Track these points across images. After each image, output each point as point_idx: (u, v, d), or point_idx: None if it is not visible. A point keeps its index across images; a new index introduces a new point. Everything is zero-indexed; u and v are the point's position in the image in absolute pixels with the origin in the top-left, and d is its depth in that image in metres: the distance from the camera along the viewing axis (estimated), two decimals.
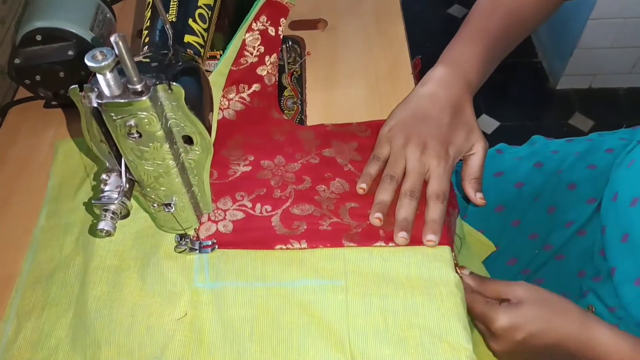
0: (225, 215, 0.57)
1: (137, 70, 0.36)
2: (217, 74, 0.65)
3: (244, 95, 0.67)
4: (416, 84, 0.65)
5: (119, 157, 0.43)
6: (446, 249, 0.54)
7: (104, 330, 0.51)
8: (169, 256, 0.54)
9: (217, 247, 0.54)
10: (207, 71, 0.58)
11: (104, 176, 0.44)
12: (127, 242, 0.56)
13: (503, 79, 1.85)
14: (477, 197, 0.59)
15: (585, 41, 1.67)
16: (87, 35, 0.65)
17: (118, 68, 0.36)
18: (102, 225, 0.43)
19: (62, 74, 0.65)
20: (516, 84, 1.88)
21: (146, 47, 0.48)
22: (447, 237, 0.55)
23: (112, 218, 0.43)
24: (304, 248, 0.54)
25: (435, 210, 0.55)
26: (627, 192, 0.66)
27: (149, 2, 0.51)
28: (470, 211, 0.79)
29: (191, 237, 0.53)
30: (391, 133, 0.61)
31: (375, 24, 0.78)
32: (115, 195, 0.43)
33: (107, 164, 0.45)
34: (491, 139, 0.63)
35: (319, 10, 0.80)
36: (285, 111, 0.68)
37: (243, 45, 0.67)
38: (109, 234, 0.43)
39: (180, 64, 0.45)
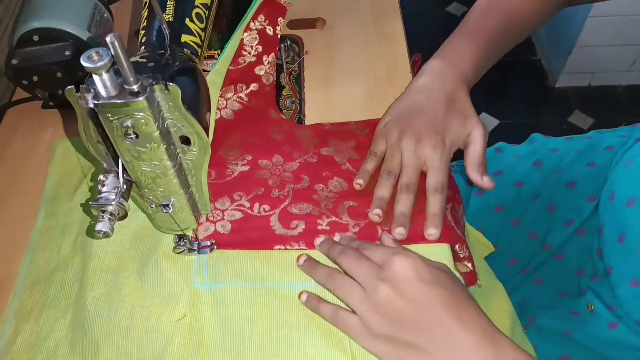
0: (224, 215, 0.56)
1: (133, 71, 0.36)
2: (215, 73, 0.65)
3: (242, 95, 0.67)
4: None
5: (116, 158, 0.43)
6: (445, 246, 0.54)
7: (103, 332, 0.50)
8: (168, 257, 0.54)
9: (215, 247, 0.54)
10: (204, 70, 0.58)
11: (101, 177, 0.44)
12: (125, 243, 0.56)
13: (502, 77, 1.85)
14: (485, 181, 0.59)
15: (584, 39, 1.67)
16: (84, 36, 0.65)
17: (114, 68, 0.36)
18: (99, 226, 0.42)
19: (59, 75, 0.65)
20: (515, 82, 1.88)
21: (143, 47, 0.48)
22: (449, 234, 0.55)
23: (109, 219, 0.43)
24: (303, 249, 0.54)
25: (435, 204, 0.55)
26: (624, 192, 0.66)
27: (146, 2, 0.51)
28: (470, 211, 0.79)
29: (190, 238, 0.53)
30: (386, 128, 0.60)
31: (373, 22, 0.77)
32: (113, 196, 0.43)
33: (105, 165, 0.44)
34: (490, 137, 0.63)
35: (317, 9, 0.80)
36: (284, 110, 0.68)
37: (241, 45, 0.67)
38: (106, 235, 0.43)
39: (177, 63, 0.45)
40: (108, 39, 0.34)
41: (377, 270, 0.46)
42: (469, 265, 0.57)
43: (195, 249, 0.54)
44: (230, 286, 0.52)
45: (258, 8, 0.66)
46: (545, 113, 1.80)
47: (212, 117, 0.63)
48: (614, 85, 1.83)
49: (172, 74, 0.43)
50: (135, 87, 0.37)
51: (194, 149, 0.43)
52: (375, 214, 0.55)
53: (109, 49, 0.35)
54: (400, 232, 0.53)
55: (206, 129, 0.44)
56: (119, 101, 0.37)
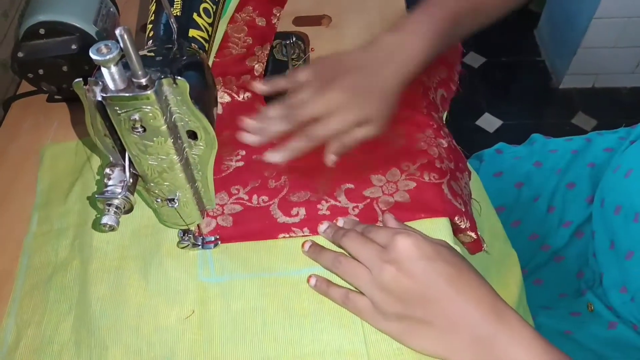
0: (223, 209, 0.56)
1: (141, 64, 0.36)
2: None
3: (232, 86, 0.66)
4: None
5: (122, 151, 0.43)
6: (444, 220, 0.54)
7: (110, 331, 0.50)
8: (171, 254, 0.54)
9: (220, 242, 0.54)
10: None
11: (107, 170, 0.44)
12: (124, 242, 0.56)
13: (506, 77, 1.85)
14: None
15: (588, 40, 1.67)
16: (91, 29, 0.65)
17: (123, 62, 0.36)
18: (105, 219, 0.43)
19: (65, 68, 0.65)
20: (519, 83, 1.88)
21: (150, 41, 0.48)
22: (447, 208, 0.55)
23: (115, 212, 0.43)
24: (307, 235, 0.54)
25: (316, 129, 0.56)
26: (612, 199, 0.66)
27: None
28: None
29: (194, 233, 0.53)
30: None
31: (379, 20, 0.77)
32: (119, 190, 0.43)
33: (111, 159, 0.44)
34: (493, 138, 0.63)
35: (323, 6, 0.80)
36: None
37: (226, 37, 0.67)
38: (112, 228, 0.43)
39: (184, 58, 0.45)
40: (117, 31, 0.34)
41: (381, 251, 0.47)
42: (472, 234, 0.57)
43: (200, 244, 0.54)
44: (237, 279, 0.52)
45: (242, 0, 0.66)
46: (548, 114, 1.80)
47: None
48: (618, 87, 1.83)
49: (180, 68, 0.43)
50: (143, 81, 0.37)
51: (201, 144, 0.43)
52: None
53: (118, 42, 0.35)
54: (269, 156, 0.57)
55: (213, 124, 0.44)
56: (127, 94, 0.37)
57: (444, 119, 0.69)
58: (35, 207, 0.61)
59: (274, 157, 0.58)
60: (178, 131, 0.42)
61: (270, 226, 0.55)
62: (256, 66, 0.67)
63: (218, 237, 0.54)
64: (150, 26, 0.49)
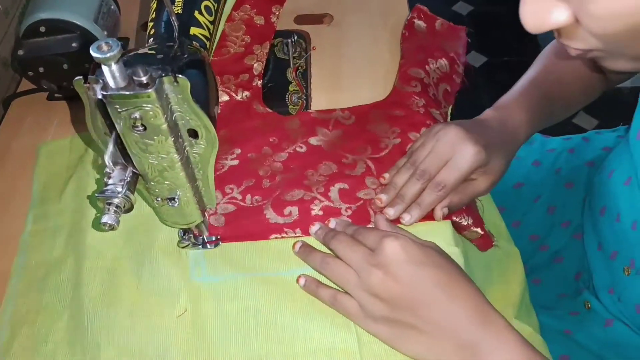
0: (216, 209, 0.56)
1: (145, 69, 0.36)
2: None
3: (231, 85, 0.66)
4: None
5: (123, 150, 0.43)
6: (446, 223, 0.54)
7: (103, 331, 0.50)
8: (164, 253, 0.54)
9: (221, 242, 0.54)
10: None
11: (107, 169, 0.44)
12: (117, 242, 0.56)
13: (509, 77, 1.84)
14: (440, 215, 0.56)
15: None
16: (91, 27, 0.65)
17: (123, 60, 0.36)
18: (105, 218, 0.42)
19: (65, 66, 0.64)
20: None
21: (151, 39, 0.47)
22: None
23: (115, 211, 0.43)
24: (299, 236, 0.54)
25: (428, 195, 0.54)
26: (598, 199, 0.66)
27: None
28: None
29: (194, 232, 0.53)
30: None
31: (381, 19, 0.77)
32: (119, 189, 0.43)
33: (111, 157, 0.44)
34: None
35: (325, 4, 0.80)
36: (290, 106, 0.68)
37: (223, 36, 0.66)
38: (112, 227, 0.42)
39: (186, 56, 0.45)
40: None
41: (369, 255, 0.47)
42: (478, 230, 0.56)
43: (200, 243, 0.54)
44: (229, 279, 0.52)
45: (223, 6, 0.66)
46: None
47: None
48: (619, 87, 1.81)
49: (181, 66, 0.43)
50: (144, 79, 0.37)
51: (202, 143, 0.43)
52: (377, 197, 0.55)
53: (119, 40, 0.34)
54: (388, 211, 0.54)
55: (214, 123, 0.44)
56: (127, 92, 0.37)
57: (449, 113, 0.68)
58: (32, 206, 0.61)
59: (410, 219, 0.54)
60: (179, 130, 0.42)
61: (262, 227, 0.55)
62: (255, 65, 0.67)
63: (219, 236, 0.54)
64: (151, 24, 0.49)
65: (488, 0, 2.00)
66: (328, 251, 0.52)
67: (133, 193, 0.44)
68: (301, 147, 0.61)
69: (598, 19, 0.36)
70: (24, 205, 0.61)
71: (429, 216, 0.54)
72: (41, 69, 0.65)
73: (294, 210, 0.55)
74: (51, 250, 0.56)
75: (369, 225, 0.54)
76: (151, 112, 0.38)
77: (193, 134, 0.42)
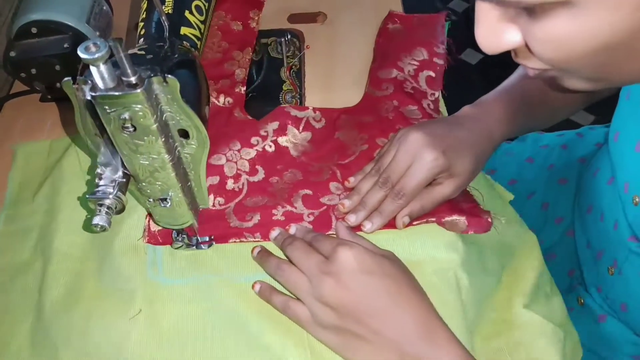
0: None
1: (133, 68, 0.36)
2: None
3: (212, 91, 0.65)
4: None
5: (114, 151, 0.43)
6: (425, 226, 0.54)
7: (60, 334, 0.50)
8: (124, 252, 0.53)
9: (214, 242, 0.54)
10: None
11: (98, 170, 0.44)
12: (86, 246, 0.55)
13: (503, 74, 1.84)
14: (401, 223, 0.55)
15: None
16: (84, 28, 0.65)
17: (112, 60, 0.36)
18: (96, 220, 0.42)
19: (58, 67, 0.64)
20: None
21: (142, 39, 0.47)
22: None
23: (107, 213, 0.42)
24: (258, 240, 0.54)
25: (388, 204, 0.53)
26: (584, 198, 0.66)
27: None
28: None
29: (187, 233, 0.53)
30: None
31: (375, 17, 0.77)
32: (110, 190, 0.43)
33: (102, 158, 0.44)
34: None
35: (319, 3, 0.79)
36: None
37: None
38: (103, 229, 0.42)
39: (176, 56, 0.45)
40: (111, 42, 0.34)
41: (323, 262, 0.47)
42: (462, 218, 0.54)
43: (194, 244, 0.53)
44: (186, 281, 0.52)
45: (215, 5, 0.65)
46: None
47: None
48: None
49: (171, 66, 0.43)
50: (133, 79, 0.36)
51: (193, 143, 0.43)
52: (341, 202, 0.55)
53: (109, 42, 0.34)
54: (350, 218, 0.54)
55: (205, 123, 0.44)
56: (116, 93, 0.37)
57: (439, 97, 0.66)
58: (4, 207, 0.60)
59: (371, 227, 0.54)
60: (169, 130, 0.41)
61: (223, 230, 0.54)
62: (237, 71, 0.66)
63: (213, 237, 0.54)
64: (141, 24, 0.48)
65: None
66: (285, 257, 0.52)
67: (125, 194, 0.44)
68: (270, 146, 0.61)
69: (543, 43, 0.36)
70: None
71: (390, 224, 0.54)
72: (33, 71, 0.65)
73: (256, 216, 0.55)
74: (20, 252, 0.56)
75: (330, 232, 0.54)
76: (140, 113, 0.38)
77: (184, 134, 0.42)
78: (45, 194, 0.60)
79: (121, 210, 0.43)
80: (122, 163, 0.43)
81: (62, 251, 0.55)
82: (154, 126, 0.39)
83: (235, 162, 0.59)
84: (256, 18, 0.66)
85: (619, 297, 0.59)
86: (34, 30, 0.63)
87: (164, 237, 0.54)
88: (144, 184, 0.45)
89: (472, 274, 0.52)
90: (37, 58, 0.64)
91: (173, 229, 0.52)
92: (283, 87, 0.70)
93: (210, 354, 0.48)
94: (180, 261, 0.53)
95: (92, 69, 0.36)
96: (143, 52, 0.44)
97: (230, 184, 0.57)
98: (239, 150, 0.60)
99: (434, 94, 0.66)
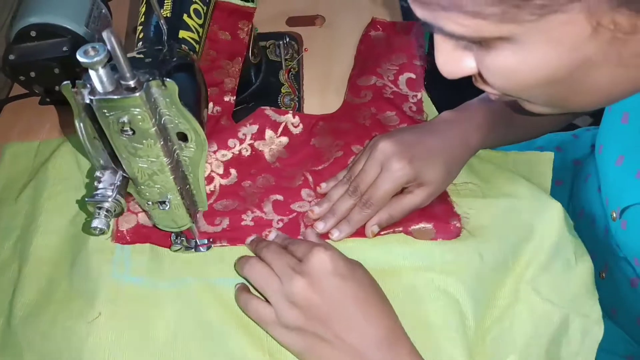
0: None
1: (129, 66, 0.36)
2: None
3: None
4: None
5: (112, 154, 0.43)
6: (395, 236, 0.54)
7: (26, 337, 0.50)
8: (94, 252, 0.53)
9: (212, 246, 0.54)
10: None
11: (97, 173, 0.44)
12: (63, 248, 0.55)
13: None
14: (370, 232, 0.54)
15: None
16: (82, 32, 0.65)
17: (111, 64, 0.36)
18: (95, 223, 0.42)
19: (57, 70, 0.64)
20: None
21: (140, 42, 0.47)
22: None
23: (105, 216, 0.43)
24: (224, 245, 0.54)
25: (356, 213, 0.54)
26: (577, 202, 0.66)
27: None
28: None
29: (186, 236, 0.53)
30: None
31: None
32: (110, 193, 0.43)
33: (101, 161, 0.44)
34: None
35: (317, 6, 0.80)
36: (283, 108, 0.68)
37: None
38: (102, 232, 0.42)
39: (174, 59, 0.45)
40: (104, 34, 0.34)
41: (295, 263, 0.47)
42: (426, 226, 0.54)
43: (192, 247, 0.53)
44: (151, 283, 0.51)
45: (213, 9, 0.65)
46: None
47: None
48: None
49: (169, 69, 0.43)
50: (131, 83, 0.36)
51: (191, 146, 0.43)
52: (311, 209, 0.56)
53: (106, 44, 0.34)
54: (318, 225, 0.54)
55: (203, 126, 0.44)
56: (115, 97, 0.37)
57: (422, 99, 0.66)
58: None
59: (338, 235, 0.54)
60: (168, 133, 0.42)
61: (190, 234, 0.54)
62: (226, 80, 0.66)
63: (211, 240, 0.54)
64: (140, 28, 0.49)
65: None
66: None
67: (123, 197, 0.44)
68: (247, 150, 0.61)
69: (494, 74, 0.38)
70: None
71: (359, 233, 0.54)
72: (32, 74, 0.65)
73: (225, 220, 0.55)
74: (0, 252, 0.56)
75: (299, 238, 0.54)
76: (139, 116, 0.38)
77: (182, 137, 0.42)
78: (28, 195, 0.60)
79: (120, 213, 0.44)
80: (121, 166, 0.43)
81: (38, 255, 0.54)
82: (153, 129, 0.39)
83: (210, 164, 0.59)
84: (245, 29, 0.66)
85: (609, 301, 0.59)
86: (33, 33, 0.63)
87: (133, 236, 0.54)
88: (142, 187, 0.45)
89: (459, 277, 0.51)
90: (36, 61, 0.64)
91: (172, 232, 0.52)
92: (282, 89, 0.70)
93: (172, 357, 0.48)
94: (147, 263, 0.52)
95: (91, 72, 0.36)
96: (142, 56, 0.44)
97: None
98: (215, 152, 0.60)
99: (416, 96, 0.66)
